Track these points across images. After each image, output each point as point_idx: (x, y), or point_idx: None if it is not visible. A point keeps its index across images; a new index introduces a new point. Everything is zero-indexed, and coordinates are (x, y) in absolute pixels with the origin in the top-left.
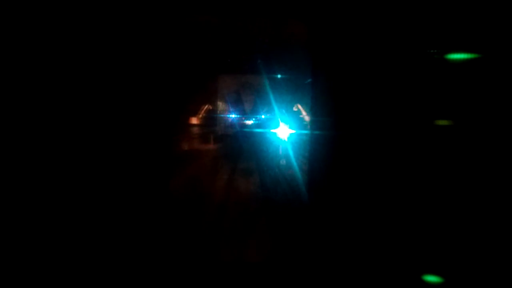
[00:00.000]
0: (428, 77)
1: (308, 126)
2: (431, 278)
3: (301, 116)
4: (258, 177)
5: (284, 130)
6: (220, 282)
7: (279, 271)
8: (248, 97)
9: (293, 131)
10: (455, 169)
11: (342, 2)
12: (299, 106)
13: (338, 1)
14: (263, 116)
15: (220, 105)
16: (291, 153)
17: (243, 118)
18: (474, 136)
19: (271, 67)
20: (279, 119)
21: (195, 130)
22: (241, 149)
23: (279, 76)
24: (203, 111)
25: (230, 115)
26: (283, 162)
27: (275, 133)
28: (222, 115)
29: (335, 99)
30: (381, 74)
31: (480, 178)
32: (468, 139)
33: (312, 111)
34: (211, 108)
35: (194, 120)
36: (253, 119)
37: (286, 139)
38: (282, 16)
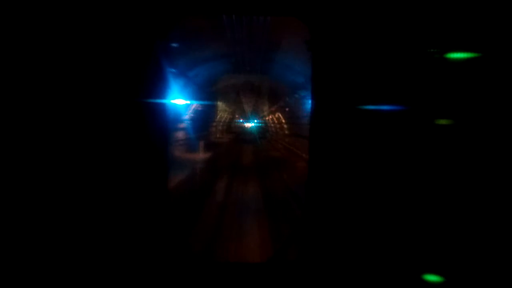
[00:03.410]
0: (428, 76)
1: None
2: (431, 278)
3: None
4: None
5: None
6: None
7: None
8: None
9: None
10: (455, 169)
11: (343, 3)
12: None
13: (339, 1)
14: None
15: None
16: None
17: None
18: (474, 135)
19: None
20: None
21: None
22: None
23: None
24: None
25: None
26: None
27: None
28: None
29: (336, 98)
30: (381, 73)
31: (480, 178)
32: (468, 138)
33: (312, 112)
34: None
35: None
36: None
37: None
38: (283, 15)
